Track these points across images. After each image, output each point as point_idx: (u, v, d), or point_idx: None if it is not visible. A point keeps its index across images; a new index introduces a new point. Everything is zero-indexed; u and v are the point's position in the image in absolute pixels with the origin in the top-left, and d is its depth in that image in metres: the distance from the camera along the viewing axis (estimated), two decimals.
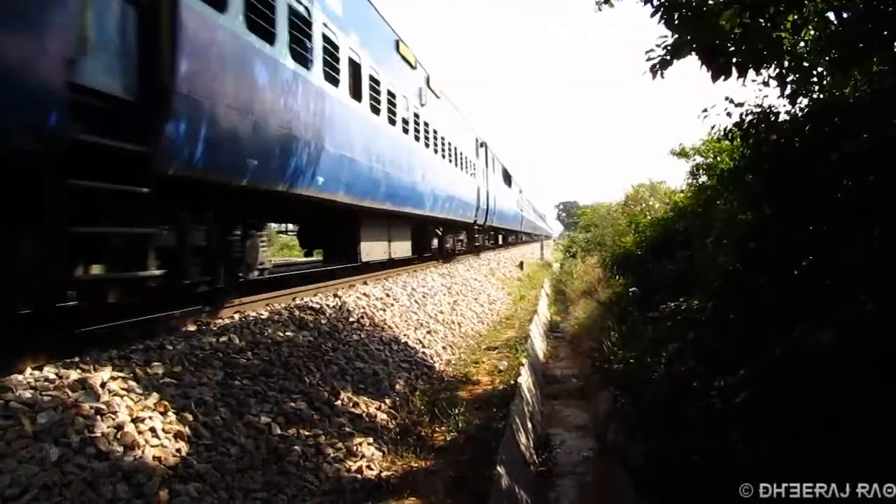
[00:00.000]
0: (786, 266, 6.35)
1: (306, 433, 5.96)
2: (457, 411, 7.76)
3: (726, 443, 6.11)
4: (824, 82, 6.73)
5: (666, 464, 7.44)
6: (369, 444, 6.44)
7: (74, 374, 4.79)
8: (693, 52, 6.53)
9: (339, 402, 6.96)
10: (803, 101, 6.93)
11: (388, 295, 12.40)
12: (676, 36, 6.60)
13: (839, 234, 5.73)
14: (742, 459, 5.78)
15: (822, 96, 6.79)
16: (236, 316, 8.02)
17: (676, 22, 6.46)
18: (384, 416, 7.29)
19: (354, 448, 6.19)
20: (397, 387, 8.40)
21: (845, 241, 5.52)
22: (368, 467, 6.02)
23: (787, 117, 7.05)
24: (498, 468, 6.30)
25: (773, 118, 7.14)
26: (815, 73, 6.75)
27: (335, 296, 10.67)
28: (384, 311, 11.29)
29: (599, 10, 7.48)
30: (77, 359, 5.23)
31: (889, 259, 5.12)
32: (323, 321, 8.95)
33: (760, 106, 7.24)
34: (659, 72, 6.82)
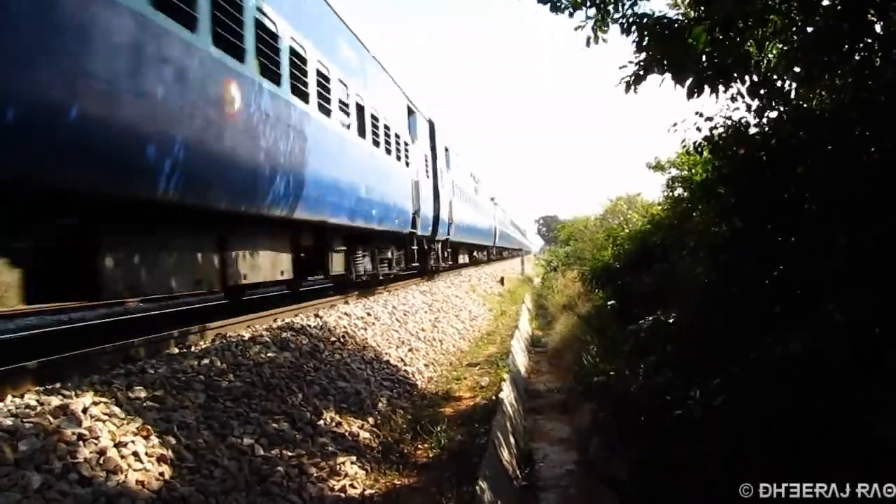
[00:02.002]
0: (758, 277, 6.47)
1: (289, 454, 5.98)
2: (439, 428, 7.81)
3: (708, 453, 6.18)
4: (791, 96, 6.88)
5: (648, 475, 7.51)
6: (352, 462, 6.47)
7: (56, 401, 4.80)
8: (666, 71, 6.70)
9: (321, 422, 6.98)
10: (772, 115, 7.09)
11: (369, 314, 12.43)
12: (648, 54, 6.77)
13: (807, 245, 5.86)
14: (725, 471, 5.84)
15: (789, 110, 6.93)
16: (217, 338, 8.04)
17: (645, 44, 6.63)
18: (367, 435, 7.32)
19: (338, 467, 6.22)
20: (380, 405, 8.43)
21: (813, 252, 5.64)
22: (352, 486, 6.04)
23: (756, 130, 7.20)
24: (481, 483, 6.34)
25: (742, 130, 7.28)
26: (782, 87, 6.90)
27: (316, 316, 10.70)
28: (365, 329, 11.33)
29: (588, 46, 7.58)
30: (58, 385, 5.25)
31: (856, 268, 5.24)
32: (304, 341, 8.97)
33: (731, 119, 7.38)
34: (633, 87, 6.98)
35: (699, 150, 7.76)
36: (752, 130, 7.31)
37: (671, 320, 8.34)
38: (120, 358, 6.49)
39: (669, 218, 12.64)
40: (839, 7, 5.69)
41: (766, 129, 7.11)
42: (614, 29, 7.19)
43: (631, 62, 7.01)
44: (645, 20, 6.80)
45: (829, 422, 5.06)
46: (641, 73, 6.90)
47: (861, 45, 5.71)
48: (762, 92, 6.87)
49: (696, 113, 7.61)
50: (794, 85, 6.87)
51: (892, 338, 4.81)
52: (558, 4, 7.35)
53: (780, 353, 5.44)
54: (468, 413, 9.03)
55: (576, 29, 7.46)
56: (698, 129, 7.61)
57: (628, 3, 7.15)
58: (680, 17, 7.02)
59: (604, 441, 9.66)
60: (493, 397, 9.86)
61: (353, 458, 6.56)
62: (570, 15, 7.39)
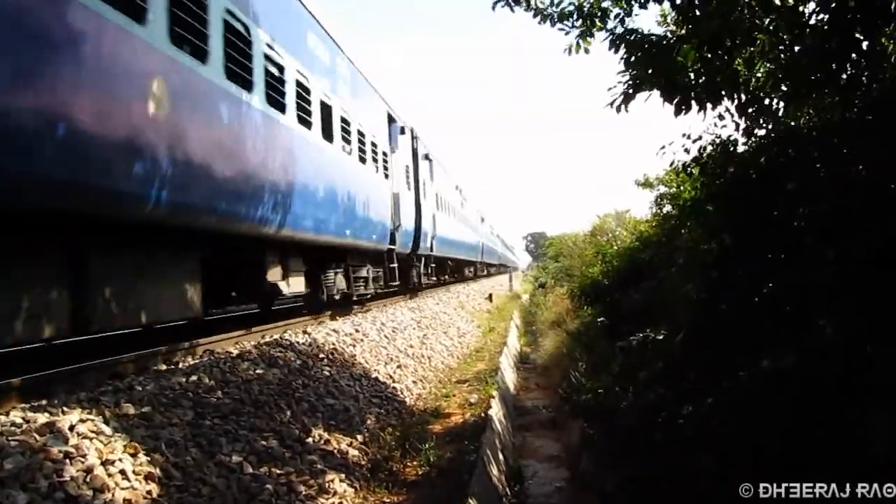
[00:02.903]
0: (748, 294, 6.48)
1: (278, 471, 5.93)
2: (428, 445, 7.77)
3: (701, 468, 6.17)
4: (779, 114, 6.93)
5: (639, 491, 7.49)
6: (341, 480, 6.42)
7: (42, 418, 4.75)
8: (654, 88, 6.73)
9: (310, 439, 6.94)
10: (760, 133, 7.14)
11: (357, 330, 12.38)
12: (636, 72, 6.80)
13: (795, 261, 5.89)
14: (718, 485, 5.82)
15: (777, 128, 6.98)
16: (206, 355, 7.99)
17: (633, 60, 6.67)
18: (356, 452, 7.27)
19: (326, 485, 6.17)
20: (368, 422, 8.39)
21: (803, 268, 5.66)
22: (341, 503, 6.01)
23: (745, 149, 7.25)
24: (471, 501, 6.31)
25: (731, 148, 7.33)
26: (770, 105, 6.95)
27: (304, 332, 10.65)
28: (354, 346, 11.28)
29: (569, 54, 7.64)
30: (45, 402, 5.19)
31: (844, 283, 5.26)
32: (293, 358, 8.93)
33: (719, 137, 7.42)
34: (622, 106, 7.01)
35: (688, 171, 7.81)
36: (741, 148, 7.36)
37: (661, 337, 8.35)
38: (107, 375, 6.44)
39: (658, 235, 12.68)
40: (826, 26, 5.75)
41: (755, 147, 7.15)
42: (602, 45, 7.25)
43: (620, 82, 7.03)
44: (633, 37, 6.84)
45: (823, 437, 5.05)
46: (630, 91, 6.93)
47: (848, 63, 5.76)
48: (750, 110, 6.92)
49: (684, 135, 7.65)
50: (781, 103, 6.92)
51: (884, 351, 4.83)
52: (546, 13, 7.42)
53: (773, 369, 5.45)
54: (457, 430, 9.00)
55: (560, 30, 7.53)
56: (686, 151, 7.67)
57: (615, 19, 7.22)
58: (668, 35, 7.07)
59: (594, 457, 9.63)
60: (482, 414, 9.84)
61: (342, 476, 6.51)
62: (553, 24, 7.48)
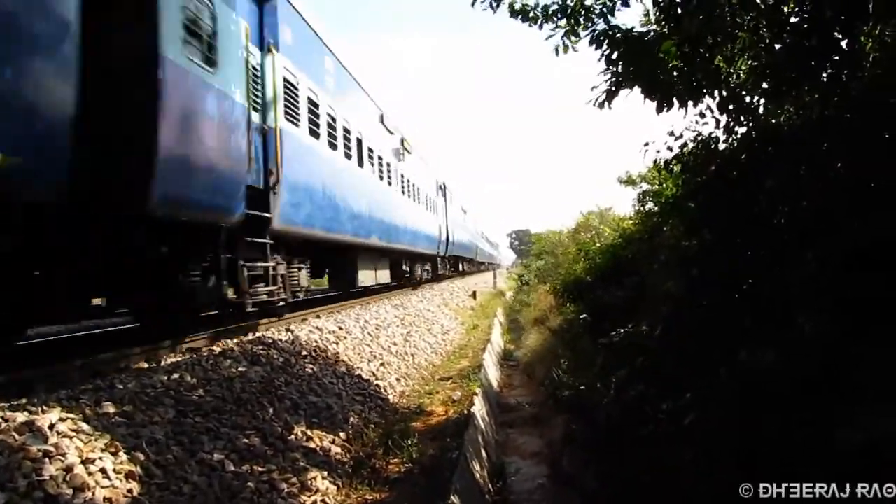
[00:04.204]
0: (728, 290, 6.52)
1: (260, 469, 5.92)
2: (411, 442, 7.76)
3: (682, 465, 6.19)
4: (759, 112, 6.96)
5: (621, 488, 7.52)
6: (324, 477, 6.41)
7: (21, 417, 4.72)
8: (635, 85, 6.76)
9: (292, 437, 6.92)
10: (740, 131, 7.17)
11: (340, 328, 12.37)
12: (618, 69, 6.82)
13: (775, 259, 5.92)
14: (702, 482, 5.84)
15: (757, 125, 7.01)
16: (188, 353, 7.96)
17: (615, 57, 6.69)
18: (338, 450, 7.26)
19: (309, 482, 6.16)
20: (351, 419, 8.37)
21: (781, 266, 5.70)
22: (323, 501, 5.99)
23: (725, 146, 7.28)
24: (453, 498, 6.32)
25: (712, 146, 7.36)
26: (750, 103, 6.99)
27: (287, 330, 10.63)
28: (337, 344, 11.26)
29: (557, 55, 7.65)
30: (24, 400, 5.16)
31: (824, 281, 5.29)
32: (275, 356, 8.91)
33: (700, 134, 7.45)
34: (606, 104, 7.02)
35: (670, 168, 7.84)
36: (721, 146, 7.39)
37: (642, 332, 8.38)
38: (88, 373, 6.41)
39: (640, 232, 12.73)
40: (806, 25, 5.79)
41: (735, 144, 7.19)
42: (585, 41, 7.26)
43: (603, 80, 7.05)
44: (615, 34, 6.86)
45: (807, 434, 5.07)
46: (613, 88, 6.95)
47: (828, 62, 5.80)
48: (731, 107, 6.95)
49: (669, 133, 7.69)
50: (762, 101, 6.96)
51: (872, 351, 4.84)
52: (531, 15, 7.44)
53: (752, 366, 5.47)
54: (440, 427, 9.00)
55: (546, 39, 7.55)
56: (669, 150, 7.70)
57: (598, 18, 7.23)
58: (650, 32, 7.09)
59: (576, 454, 9.66)
60: (466, 411, 9.84)
61: (325, 473, 6.50)
62: (540, 27, 7.50)
